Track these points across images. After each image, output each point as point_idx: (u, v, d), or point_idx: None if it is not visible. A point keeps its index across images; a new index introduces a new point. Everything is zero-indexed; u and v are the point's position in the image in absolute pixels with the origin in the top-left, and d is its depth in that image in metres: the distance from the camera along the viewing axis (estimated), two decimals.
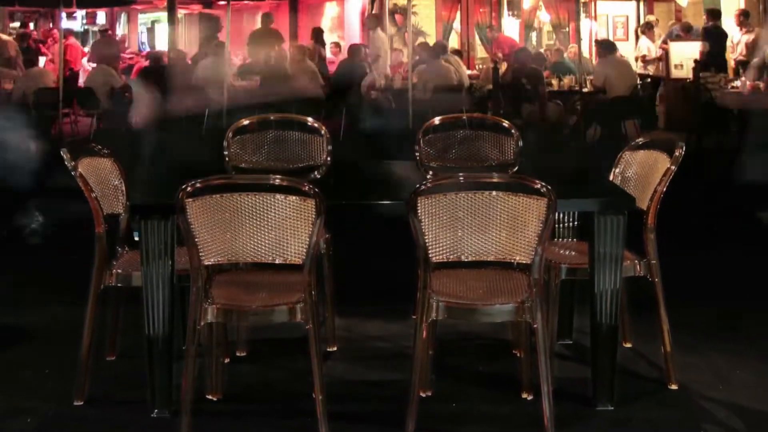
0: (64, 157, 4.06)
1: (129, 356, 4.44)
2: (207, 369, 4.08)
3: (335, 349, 4.67)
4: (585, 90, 13.35)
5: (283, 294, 3.75)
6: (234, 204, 3.58)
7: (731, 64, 13.96)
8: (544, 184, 3.57)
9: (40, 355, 4.69)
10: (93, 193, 4.10)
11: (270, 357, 4.61)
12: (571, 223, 4.58)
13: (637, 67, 14.74)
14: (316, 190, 3.58)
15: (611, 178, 4.46)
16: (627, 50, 16.14)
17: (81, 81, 14.59)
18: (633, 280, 4.23)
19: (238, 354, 4.59)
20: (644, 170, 4.39)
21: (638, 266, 4.21)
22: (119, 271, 4.14)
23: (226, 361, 4.35)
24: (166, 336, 3.88)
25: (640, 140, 4.52)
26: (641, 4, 18.55)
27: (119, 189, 4.35)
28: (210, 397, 4.10)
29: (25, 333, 5.06)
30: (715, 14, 14.17)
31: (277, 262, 3.65)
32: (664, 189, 4.15)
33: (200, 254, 3.65)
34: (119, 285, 4.15)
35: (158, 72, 13.23)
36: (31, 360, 4.62)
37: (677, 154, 4.14)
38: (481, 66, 17.23)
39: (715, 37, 13.77)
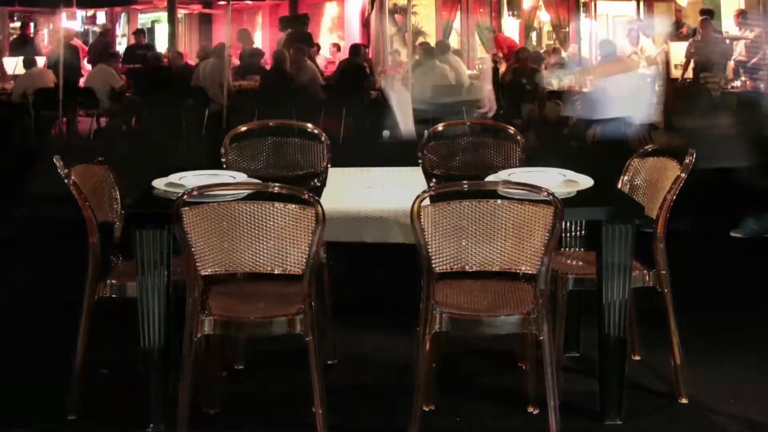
0: (57, 164, 3.98)
1: (124, 369, 4.34)
2: (204, 382, 4.00)
3: (336, 361, 4.60)
4: (585, 90, 13.32)
5: (282, 305, 3.69)
6: (232, 212, 3.51)
7: (731, 64, 13.94)
8: (550, 191, 3.51)
9: (33, 368, 4.60)
10: (87, 201, 4.01)
11: (269, 370, 4.54)
12: (578, 233, 4.51)
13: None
14: (316, 198, 3.51)
15: (619, 185, 4.39)
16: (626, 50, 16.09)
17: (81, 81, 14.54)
18: (642, 290, 4.16)
19: (235, 367, 4.52)
20: (653, 178, 4.32)
21: (647, 276, 4.14)
22: (114, 281, 4.06)
23: (224, 374, 4.28)
24: (161, 348, 3.81)
25: (649, 147, 4.44)
26: (641, 4, 18.54)
27: (113, 197, 4.28)
28: (207, 411, 4.03)
29: (17, 345, 4.97)
30: (706, 14, 14.18)
31: (275, 272, 3.58)
32: (674, 197, 4.07)
33: (197, 264, 3.59)
34: (114, 296, 4.07)
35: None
36: (23, 373, 4.54)
37: (687, 161, 4.06)
38: (481, 66, 17.22)
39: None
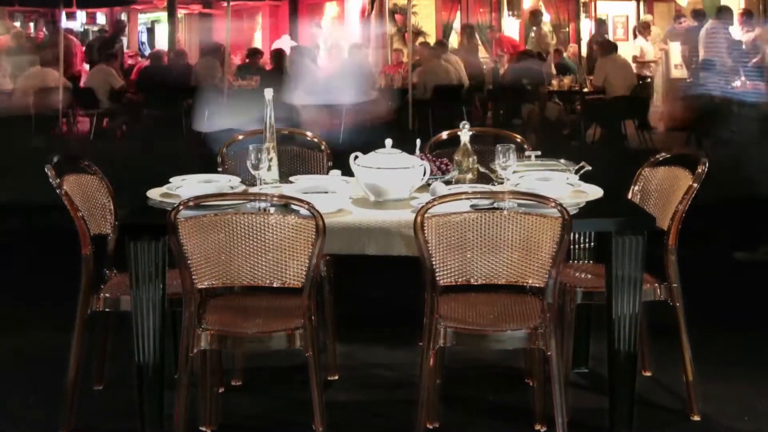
0: (49, 174, 3.90)
1: (118, 385, 4.28)
2: (200, 399, 3.92)
3: (336, 377, 4.53)
4: (585, 90, 13.34)
5: (282, 319, 3.61)
6: (229, 224, 3.42)
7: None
8: (558, 202, 3.42)
9: (24, 383, 4.52)
10: (79, 212, 3.93)
11: (267, 386, 4.47)
12: (587, 244, 4.42)
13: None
14: (317, 208, 3.41)
15: (630, 196, 4.30)
16: (626, 50, 16.08)
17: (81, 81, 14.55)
18: (653, 304, 4.06)
19: (233, 383, 4.44)
20: (664, 188, 4.23)
21: (658, 290, 4.05)
22: (107, 295, 3.98)
23: (221, 390, 4.20)
24: (157, 364, 3.72)
25: (660, 156, 4.35)
26: (641, 4, 18.55)
27: (107, 208, 4.20)
28: (203, 428, 3.94)
29: (8, 360, 4.89)
30: (699, 14, 14.18)
31: (274, 285, 3.50)
32: (686, 208, 3.99)
33: (193, 277, 3.50)
34: (107, 310, 3.99)
35: None
36: (14, 388, 4.46)
37: (700, 170, 3.98)
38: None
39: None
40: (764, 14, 14.36)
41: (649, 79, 14.34)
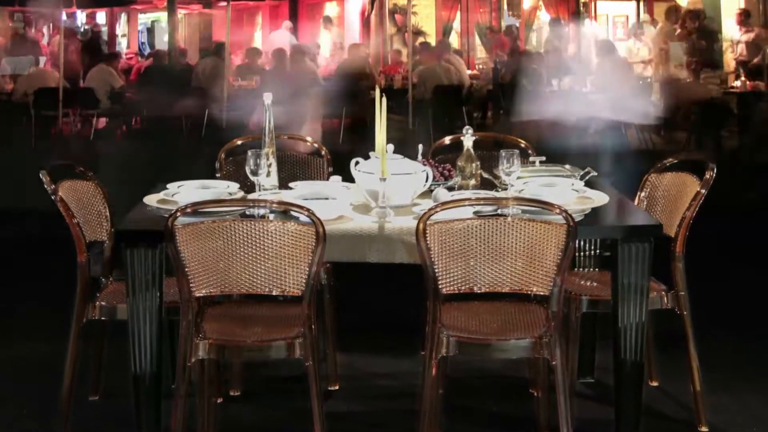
0: (44, 180, 3.85)
1: (114, 395, 4.24)
2: (198, 409, 3.85)
3: (337, 387, 4.47)
4: (585, 90, 13.34)
5: (281, 328, 3.57)
6: (228, 231, 3.38)
7: (732, 64, 13.98)
8: (563, 208, 3.38)
9: (18, 394, 4.47)
10: (75, 218, 3.89)
11: (266, 396, 4.42)
12: (592, 252, 4.36)
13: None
14: (317, 215, 3.36)
15: (636, 202, 4.25)
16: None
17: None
18: (660, 312, 4.02)
19: (231, 393, 4.39)
20: (672, 194, 4.18)
21: (665, 298, 4.00)
22: (103, 303, 3.93)
23: (219, 400, 4.14)
24: (154, 373, 3.66)
25: (667, 161, 4.29)
26: (641, 4, 18.57)
27: (103, 214, 4.16)
28: None
29: (2, 369, 4.82)
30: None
31: (274, 293, 3.47)
32: (694, 214, 3.93)
33: (191, 285, 3.46)
34: (103, 318, 3.95)
35: None
36: (7, 399, 4.40)
37: (708, 176, 3.93)
38: (481, 66, 17.27)
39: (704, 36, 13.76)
40: (764, 14, 14.37)
41: (649, 79, 14.34)
